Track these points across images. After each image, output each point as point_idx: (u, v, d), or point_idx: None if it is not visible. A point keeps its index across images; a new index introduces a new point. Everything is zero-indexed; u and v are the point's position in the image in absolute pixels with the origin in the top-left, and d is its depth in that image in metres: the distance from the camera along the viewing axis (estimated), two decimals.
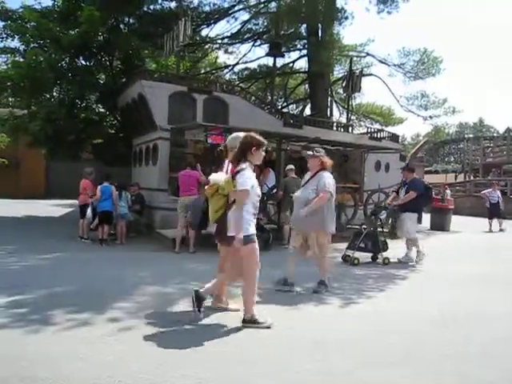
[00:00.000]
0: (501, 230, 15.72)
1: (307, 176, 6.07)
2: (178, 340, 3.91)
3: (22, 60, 14.31)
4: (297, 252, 5.98)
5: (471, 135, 58.26)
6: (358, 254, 8.17)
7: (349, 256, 8.26)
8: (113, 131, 16.95)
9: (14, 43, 15.01)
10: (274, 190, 11.07)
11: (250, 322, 4.24)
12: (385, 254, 8.24)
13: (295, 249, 5.98)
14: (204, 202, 5.53)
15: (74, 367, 3.25)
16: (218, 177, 4.52)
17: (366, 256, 8.38)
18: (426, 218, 17.55)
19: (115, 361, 3.39)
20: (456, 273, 7.65)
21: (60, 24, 14.04)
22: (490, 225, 15.85)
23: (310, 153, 5.98)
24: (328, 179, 5.78)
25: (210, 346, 3.76)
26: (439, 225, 15.87)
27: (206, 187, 4.69)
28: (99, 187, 9.81)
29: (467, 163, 39.58)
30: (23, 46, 14.54)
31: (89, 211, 10.22)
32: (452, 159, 54.47)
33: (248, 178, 4.16)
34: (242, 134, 4.57)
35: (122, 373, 3.18)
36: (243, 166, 4.20)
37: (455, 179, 39.15)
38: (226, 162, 4.77)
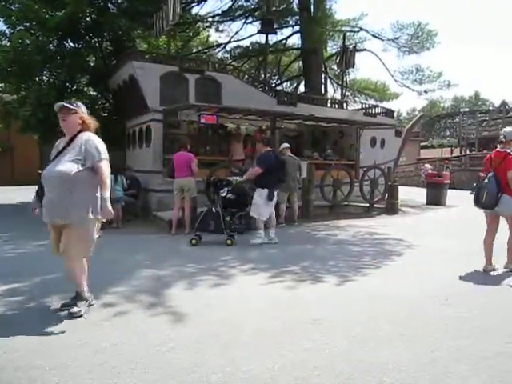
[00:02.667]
0: None
1: (61, 143, 4.17)
2: (173, 323, 3.90)
3: (8, 44, 14.01)
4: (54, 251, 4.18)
5: (467, 109, 58.05)
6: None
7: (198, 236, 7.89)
8: (105, 114, 16.70)
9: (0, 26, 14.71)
10: None
11: None
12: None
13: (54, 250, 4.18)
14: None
15: (69, 354, 3.24)
16: None
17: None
18: (423, 192, 17.63)
19: (110, 346, 3.37)
20: (451, 248, 7.67)
21: (46, 5, 13.69)
22: None
23: (66, 105, 4.06)
24: (99, 142, 4.07)
25: (196, 330, 3.76)
26: (435, 199, 15.91)
27: None
28: None
29: (463, 137, 39.62)
30: (9, 29, 14.22)
31: None
32: (448, 133, 54.44)
33: None
34: None
35: (117, 358, 3.17)
36: None
37: (451, 153, 39.21)
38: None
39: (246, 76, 15.67)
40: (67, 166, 3.92)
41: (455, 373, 3.02)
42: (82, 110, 4.13)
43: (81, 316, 3.96)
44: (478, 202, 5.92)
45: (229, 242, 7.74)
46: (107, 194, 3.92)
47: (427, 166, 27.76)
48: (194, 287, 5.06)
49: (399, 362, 3.15)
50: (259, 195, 7.94)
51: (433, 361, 3.19)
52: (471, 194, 6.00)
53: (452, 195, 16.55)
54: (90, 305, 4.23)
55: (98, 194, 3.99)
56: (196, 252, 7.30)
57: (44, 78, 14.99)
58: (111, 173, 3.85)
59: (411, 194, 18.93)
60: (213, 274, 5.70)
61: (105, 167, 3.96)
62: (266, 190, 7.88)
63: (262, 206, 7.93)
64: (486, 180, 5.78)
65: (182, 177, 9.10)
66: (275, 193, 8.05)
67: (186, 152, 9.30)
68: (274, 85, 23.54)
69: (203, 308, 4.30)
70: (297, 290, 4.98)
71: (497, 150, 5.91)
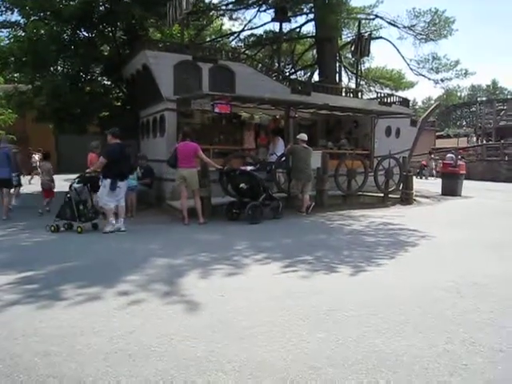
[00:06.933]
0: None
1: None
2: (188, 312, 3.92)
3: (23, 34, 14.07)
4: None
5: (484, 98, 57.15)
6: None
7: (61, 225, 8.20)
8: (119, 103, 16.76)
9: (14, 16, 14.75)
10: (283, 159, 10.97)
11: None
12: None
13: None
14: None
15: (85, 342, 3.27)
16: None
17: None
18: (438, 183, 17.44)
19: (126, 334, 3.40)
20: (466, 239, 7.58)
21: None
22: None
23: None
24: None
25: (210, 319, 3.77)
26: (450, 190, 15.74)
27: None
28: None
29: (479, 127, 39.07)
30: (23, 19, 14.26)
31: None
32: (464, 123, 53.56)
33: None
34: None
35: (132, 346, 3.19)
36: None
37: (467, 143, 38.67)
38: None
39: (260, 65, 15.57)
40: None
41: (471, 365, 2.98)
42: None
43: None
44: None
45: (79, 229, 8.05)
46: None
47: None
48: (208, 276, 5.07)
49: (413, 353, 3.13)
50: (103, 185, 8.19)
51: (448, 352, 3.16)
52: None
53: (468, 186, 16.36)
54: None
55: None
56: (209, 241, 7.32)
57: (58, 67, 15.04)
58: None
59: (426, 184, 18.76)
60: (226, 263, 5.70)
61: None
62: (109, 180, 8.10)
63: (105, 195, 8.17)
64: None
65: (184, 167, 8.97)
66: (122, 184, 8.27)
67: (190, 141, 9.13)
68: (287, 73, 23.37)
69: (217, 297, 4.31)
70: (310, 280, 4.97)
71: None
